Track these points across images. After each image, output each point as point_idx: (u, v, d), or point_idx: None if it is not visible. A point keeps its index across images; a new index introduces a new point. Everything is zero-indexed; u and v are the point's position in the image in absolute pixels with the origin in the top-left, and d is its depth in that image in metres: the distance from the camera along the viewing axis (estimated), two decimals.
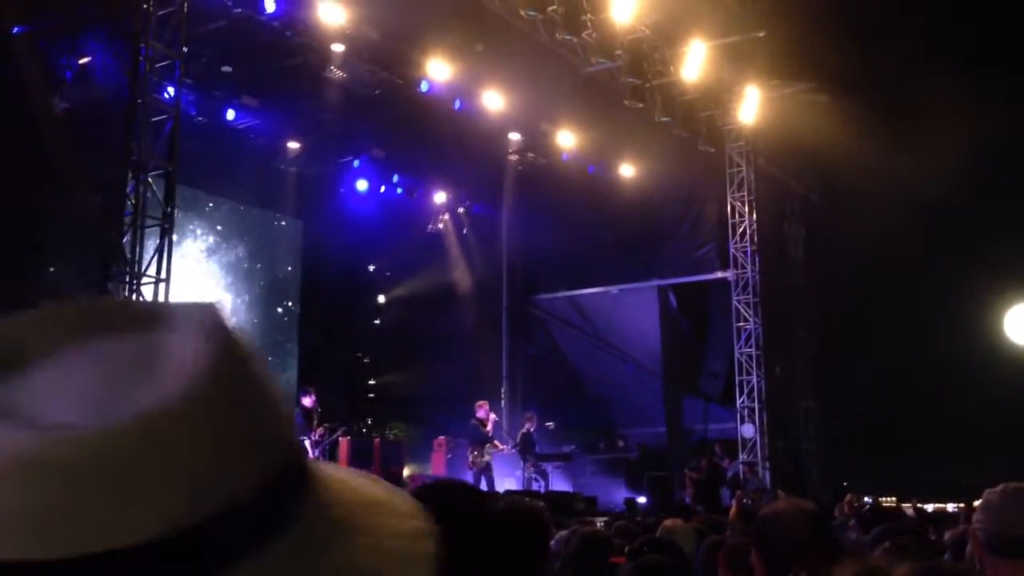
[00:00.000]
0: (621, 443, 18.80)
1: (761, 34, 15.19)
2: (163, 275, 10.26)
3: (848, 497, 10.21)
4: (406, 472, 15.77)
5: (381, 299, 20.56)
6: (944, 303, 16.94)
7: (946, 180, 15.28)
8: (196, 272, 16.47)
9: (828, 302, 18.49)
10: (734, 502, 8.37)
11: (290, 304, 18.84)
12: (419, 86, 15.22)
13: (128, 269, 10.03)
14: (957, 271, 16.46)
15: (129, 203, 10.18)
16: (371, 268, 20.20)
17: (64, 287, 10.37)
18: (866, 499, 12.67)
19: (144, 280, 10.12)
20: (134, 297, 9.97)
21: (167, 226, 10.46)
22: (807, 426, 19.22)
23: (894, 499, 15.07)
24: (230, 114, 15.64)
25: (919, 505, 11.91)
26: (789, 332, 19.06)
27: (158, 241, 10.41)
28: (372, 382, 19.57)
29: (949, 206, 16.07)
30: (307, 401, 13.31)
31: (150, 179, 10.48)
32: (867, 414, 17.51)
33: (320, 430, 13.29)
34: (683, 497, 15.85)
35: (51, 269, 10.29)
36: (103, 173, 10.62)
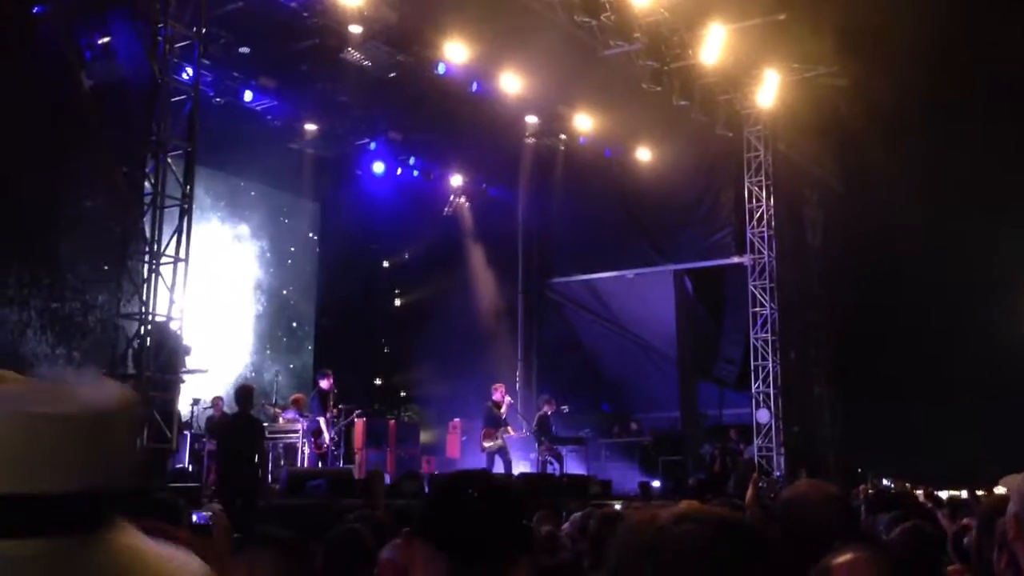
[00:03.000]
0: (635, 426, 18.80)
1: (781, 17, 15.06)
2: (182, 255, 10.31)
3: (861, 486, 10.22)
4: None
5: (397, 282, 20.59)
6: (967, 289, 16.84)
7: (972, 165, 15.18)
8: (213, 253, 16.54)
9: (846, 288, 18.41)
10: (751, 485, 8.34)
11: (306, 287, 18.90)
12: (436, 68, 15.17)
13: (147, 249, 10.08)
14: (981, 257, 16.36)
15: (148, 183, 10.22)
16: (387, 251, 20.21)
17: (84, 266, 10.44)
18: (886, 481, 12.66)
19: (163, 260, 10.17)
20: (153, 277, 10.03)
21: (186, 206, 10.49)
22: (822, 412, 19.18)
23: (908, 485, 15.03)
24: (247, 95, 15.65)
25: (931, 491, 11.87)
26: (806, 318, 18.98)
27: (177, 221, 10.45)
28: (388, 364, 19.63)
29: (975, 191, 15.94)
30: (324, 383, 13.38)
31: (169, 159, 10.51)
32: (883, 400, 17.46)
33: (335, 410, 13.35)
34: (696, 479, 15.86)
35: (72, 247, 10.34)
36: (123, 153, 10.66)
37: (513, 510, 1.92)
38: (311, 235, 19.12)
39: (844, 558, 2.18)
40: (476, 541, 1.82)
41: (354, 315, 18.92)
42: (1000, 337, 16.52)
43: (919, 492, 10.89)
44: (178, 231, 10.38)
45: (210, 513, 3.61)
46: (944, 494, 12.70)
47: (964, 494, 13.54)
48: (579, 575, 3.26)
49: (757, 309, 17.93)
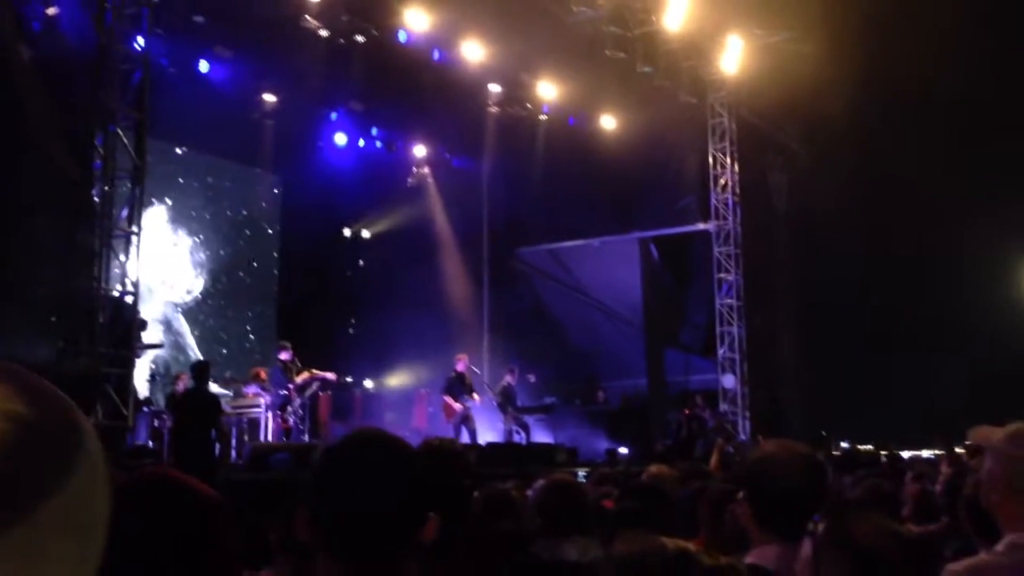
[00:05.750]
0: (602, 395, 18.80)
1: None
2: (135, 228, 10.05)
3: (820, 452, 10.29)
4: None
5: (361, 253, 20.36)
6: (932, 252, 16.95)
7: (936, 129, 15.17)
8: (169, 227, 16.23)
9: (810, 252, 18.45)
10: (715, 450, 8.35)
11: (268, 259, 18.64)
12: (397, 36, 14.91)
13: (98, 221, 9.81)
14: (947, 220, 16.44)
15: (98, 155, 9.93)
16: (350, 222, 19.96)
17: (35, 240, 10.13)
18: (843, 444, 12.80)
19: (116, 233, 9.91)
20: (105, 251, 9.78)
21: (138, 178, 10.21)
22: (787, 376, 19.29)
23: (872, 446, 15.20)
24: (203, 65, 15.29)
25: (894, 452, 12.00)
26: (770, 282, 19.05)
27: (129, 194, 10.18)
28: (352, 335, 19.44)
29: (942, 154, 15.98)
30: (284, 355, 13.23)
31: (119, 131, 10.21)
32: (848, 364, 17.57)
33: (304, 375, 13.15)
34: (663, 445, 15.91)
35: (20, 221, 10.03)
36: (71, 125, 10.34)
37: (414, 480, 1.63)
38: (272, 207, 18.83)
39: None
40: (361, 534, 1.57)
41: (317, 288, 18.69)
42: (964, 301, 16.64)
43: (883, 454, 11.00)
44: (130, 204, 10.11)
45: None
46: (906, 454, 12.85)
47: (927, 454, 13.74)
48: (528, 542, 3.18)
49: (722, 275, 17.96)
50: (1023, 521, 2.32)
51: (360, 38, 15.01)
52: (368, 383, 17.72)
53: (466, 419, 14.33)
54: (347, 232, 20.03)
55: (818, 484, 2.33)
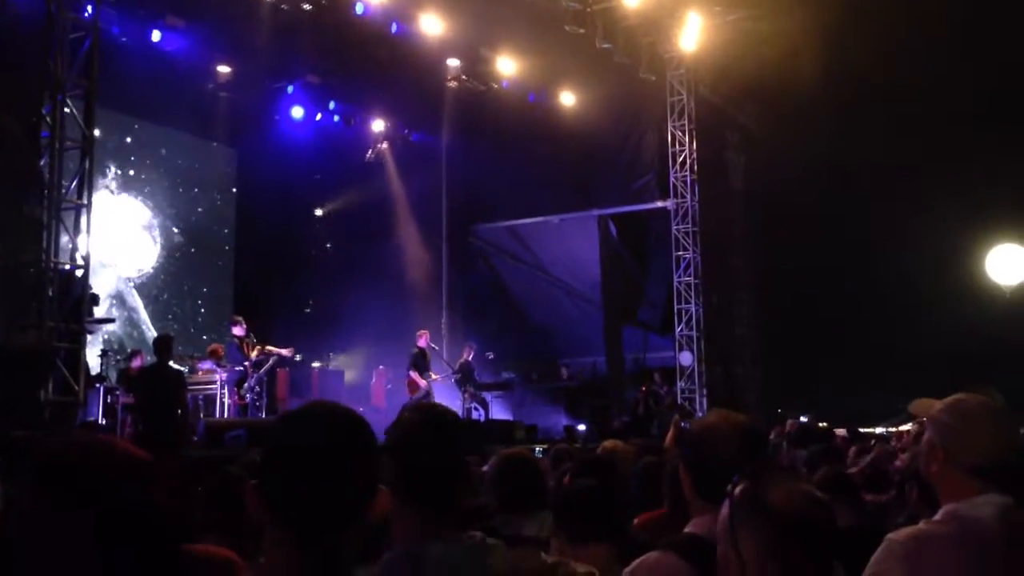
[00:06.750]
0: (565, 372, 18.88)
1: None
2: (84, 200, 9.84)
3: (776, 428, 10.44)
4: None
5: (318, 229, 20.19)
6: (886, 233, 17.17)
7: (896, 109, 15.30)
8: (121, 200, 15.95)
9: (767, 230, 18.61)
10: (671, 426, 8.40)
11: (223, 234, 18.40)
12: (354, 8, 14.72)
13: (47, 193, 9.59)
14: (898, 200, 16.64)
15: (46, 124, 9.69)
16: (308, 197, 19.76)
17: None
18: (802, 418, 12.97)
19: (64, 205, 9.70)
20: (54, 224, 9.58)
21: (87, 149, 9.99)
22: (744, 353, 19.49)
23: (826, 424, 15.42)
24: (156, 35, 14.97)
25: (854, 429, 12.15)
26: (728, 260, 19.19)
27: (78, 165, 9.96)
28: (309, 311, 19.31)
29: (894, 139, 16.15)
30: (238, 330, 13.10)
31: (68, 100, 9.98)
32: (804, 342, 17.79)
33: (257, 350, 13.04)
34: (620, 422, 16.02)
35: None
36: (18, 93, 10.08)
37: (367, 453, 1.62)
38: (227, 181, 18.57)
39: None
40: (312, 507, 1.56)
41: (274, 262, 18.50)
42: (922, 281, 16.88)
43: (840, 431, 11.14)
44: (79, 175, 9.90)
45: None
46: (863, 430, 13.04)
47: (880, 430, 13.99)
48: (487, 517, 3.19)
49: (680, 253, 18.05)
50: (961, 490, 2.36)
51: (316, 9, 14.79)
52: (316, 364, 17.60)
53: (427, 395, 14.32)
54: (319, 212, 19.85)
55: (756, 454, 2.35)
